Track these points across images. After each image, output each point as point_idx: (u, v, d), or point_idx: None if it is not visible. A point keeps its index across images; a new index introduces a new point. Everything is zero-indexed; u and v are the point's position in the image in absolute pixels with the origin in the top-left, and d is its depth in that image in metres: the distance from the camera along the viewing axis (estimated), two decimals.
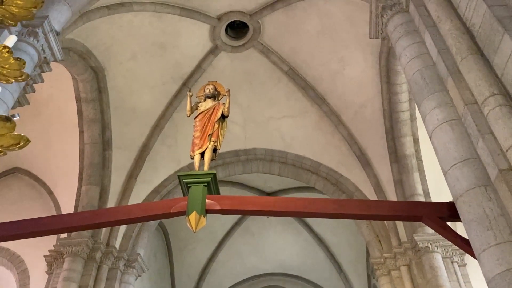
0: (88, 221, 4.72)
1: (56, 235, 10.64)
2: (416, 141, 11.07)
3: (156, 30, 10.80)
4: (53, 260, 10.36)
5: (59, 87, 10.96)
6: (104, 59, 10.63)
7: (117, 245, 10.97)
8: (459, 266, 10.04)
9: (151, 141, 12.17)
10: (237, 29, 11.83)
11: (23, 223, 4.61)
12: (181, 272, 16.70)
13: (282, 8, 10.74)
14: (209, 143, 5.43)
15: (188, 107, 6.09)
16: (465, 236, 4.10)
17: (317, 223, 16.98)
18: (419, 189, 10.71)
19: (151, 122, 12.16)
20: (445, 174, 4.27)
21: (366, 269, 15.92)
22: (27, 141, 2.91)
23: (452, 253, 9.99)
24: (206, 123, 5.57)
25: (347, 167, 12.08)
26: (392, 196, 11.10)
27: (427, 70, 4.96)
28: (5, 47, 2.90)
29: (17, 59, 2.95)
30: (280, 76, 12.18)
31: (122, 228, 11.25)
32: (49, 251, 10.52)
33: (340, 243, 16.87)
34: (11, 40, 3.04)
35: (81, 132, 11.18)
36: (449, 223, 4.58)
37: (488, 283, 3.50)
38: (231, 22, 11.45)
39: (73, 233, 10.39)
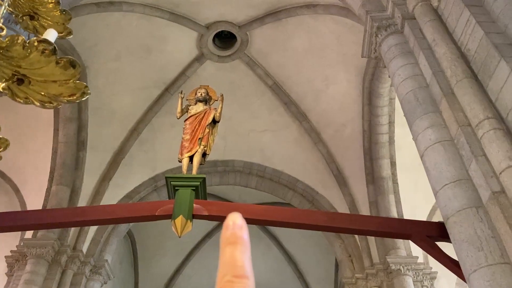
0: (66, 218, 4.48)
1: (20, 235, 10.16)
2: (393, 164, 11.23)
3: (143, 33, 10.65)
4: (15, 261, 9.84)
5: None
6: (87, 57, 10.37)
7: (84, 250, 10.54)
8: None
9: (127, 145, 11.87)
10: (225, 39, 11.82)
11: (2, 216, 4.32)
12: (146, 283, 16.20)
13: (272, 22, 10.81)
14: (199, 147, 5.31)
15: (179, 109, 5.97)
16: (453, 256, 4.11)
17: (287, 240, 16.91)
18: (394, 212, 10.82)
19: (129, 125, 11.88)
20: (436, 193, 4.29)
21: None
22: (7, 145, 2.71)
23: (423, 277, 10.10)
24: (197, 126, 5.46)
25: (324, 185, 12.12)
26: None
27: (421, 91, 5.03)
28: None
29: (63, 11, 2.71)
30: (264, 89, 12.20)
31: (91, 232, 10.84)
32: (11, 251, 10.00)
33: (309, 261, 16.82)
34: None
35: (56, 130, 10.80)
36: None
37: None
38: (219, 31, 11.44)
39: (38, 234, 9.93)
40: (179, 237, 4.60)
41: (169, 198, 4.95)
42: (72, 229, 10.48)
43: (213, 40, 11.58)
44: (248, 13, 10.77)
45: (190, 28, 10.91)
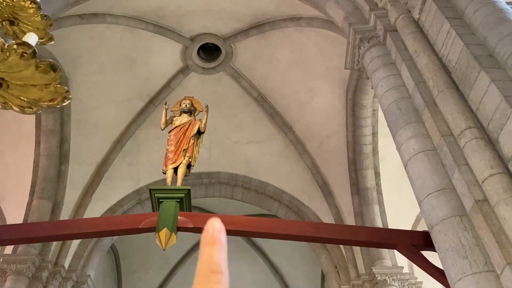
0: (48, 232, 4.37)
1: None
2: (377, 175, 11.32)
3: (127, 45, 10.61)
4: None
5: None
6: (70, 69, 10.26)
7: (66, 265, 10.29)
8: None
9: (110, 158, 11.72)
10: (209, 51, 11.85)
11: None
12: None
13: (256, 35, 10.88)
14: (184, 158, 5.27)
15: (163, 120, 5.93)
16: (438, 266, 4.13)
17: (273, 252, 16.82)
18: (379, 222, 10.87)
19: (112, 137, 11.75)
20: (420, 203, 4.32)
21: None
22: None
23: (409, 287, 10.12)
24: (181, 137, 5.42)
25: (310, 196, 12.12)
26: None
27: (403, 101, 5.09)
28: (32, 1, 2.60)
29: (44, 17, 2.64)
30: (249, 101, 12.22)
31: (73, 247, 10.61)
32: None
33: (295, 273, 16.73)
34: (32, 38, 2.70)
35: (37, 143, 10.61)
36: None
37: None
38: (203, 43, 11.47)
39: (18, 249, 9.68)
40: (164, 250, 4.52)
41: (153, 210, 4.88)
42: (54, 244, 10.24)
43: (198, 52, 11.60)
44: (233, 25, 10.83)
45: (174, 40, 10.92)
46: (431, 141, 4.58)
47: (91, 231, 4.53)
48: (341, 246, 11.25)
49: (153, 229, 4.57)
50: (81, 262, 10.61)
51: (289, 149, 12.32)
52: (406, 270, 10.43)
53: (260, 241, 16.90)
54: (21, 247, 9.75)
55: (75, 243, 10.75)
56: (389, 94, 5.30)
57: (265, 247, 16.97)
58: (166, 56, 11.28)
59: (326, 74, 10.91)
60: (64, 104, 2.52)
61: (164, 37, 10.75)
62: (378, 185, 11.30)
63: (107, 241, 11.50)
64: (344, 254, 11.11)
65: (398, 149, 4.90)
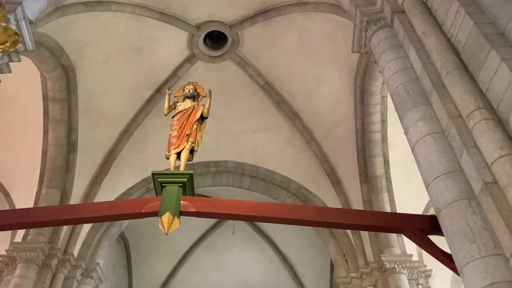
0: (51, 217, 4.37)
1: (9, 239, 10.00)
2: (386, 162, 11.19)
3: (133, 33, 10.54)
4: (4, 266, 9.66)
5: (26, 85, 10.44)
6: (76, 58, 10.24)
7: (76, 253, 10.39)
8: None
9: (118, 147, 11.75)
10: (216, 39, 11.74)
11: None
12: (139, 286, 16.03)
13: (262, 21, 10.73)
14: (187, 143, 5.22)
15: (166, 106, 5.88)
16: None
17: (282, 241, 16.82)
18: (388, 210, 10.75)
19: (120, 127, 11.77)
20: (427, 186, 4.23)
21: None
22: None
23: (418, 275, 10.04)
24: (184, 123, 5.37)
25: (317, 184, 12.05)
26: None
27: (411, 84, 4.97)
28: None
29: (6, 28, 2.58)
30: (255, 89, 12.13)
31: (82, 235, 10.70)
32: (0, 256, 9.83)
33: (304, 262, 16.73)
34: None
35: (45, 132, 10.65)
36: None
37: None
38: (210, 32, 11.35)
39: (28, 238, 9.78)
40: (166, 234, 4.47)
41: (156, 195, 4.85)
42: (63, 232, 10.34)
43: (204, 40, 11.50)
44: (239, 12, 10.70)
45: (180, 28, 10.82)
46: (439, 124, 4.46)
47: (94, 216, 4.51)
48: (350, 234, 11.20)
49: (155, 213, 4.53)
50: (90, 250, 10.70)
51: (296, 137, 12.22)
52: (415, 258, 10.35)
53: (268, 230, 16.92)
54: (31, 236, 9.85)
55: (84, 232, 10.84)
56: (397, 76, 5.18)
57: (274, 236, 16.98)
58: (172, 45, 11.20)
59: (333, 60, 10.75)
60: (14, 48, 2.42)
61: (170, 25, 10.65)
62: (387, 173, 11.17)
63: (115, 229, 11.57)
64: (353, 242, 11.05)
65: (406, 132, 4.79)
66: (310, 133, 12.01)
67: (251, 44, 11.41)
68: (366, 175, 11.22)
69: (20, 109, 10.75)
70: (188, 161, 5.25)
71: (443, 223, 3.88)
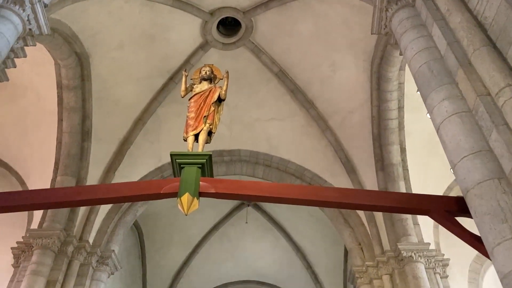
0: (69, 197, 4.33)
1: (25, 226, 10.07)
2: (403, 150, 11.01)
3: (146, 20, 10.45)
4: (21, 252, 9.74)
5: (39, 73, 10.45)
6: (89, 45, 10.19)
7: (91, 240, 10.44)
8: (441, 277, 9.94)
9: (132, 135, 11.73)
10: (229, 26, 11.60)
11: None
12: (153, 275, 16.12)
13: (277, 7, 10.55)
14: (204, 125, 5.14)
15: (183, 87, 5.79)
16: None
17: (296, 231, 16.76)
18: None
19: (134, 115, 11.74)
20: (454, 166, 4.09)
21: (343, 280, 15.73)
22: None
23: (435, 264, 9.90)
24: (202, 104, 5.28)
25: (332, 173, 11.91)
26: None
27: (435, 63, 4.82)
28: None
29: None
30: (269, 77, 11.99)
31: (97, 222, 10.74)
32: (17, 242, 9.91)
33: (317, 252, 16.66)
34: None
35: (60, 120, 10.66)
36: None
37: (502, 278, 3.30)
38: (223, 18, 11.21)
39: (44, 225, 9.84)
40: (186, 214, 4.40)
41: (174, 176, 4.79)
42: (78, 219, 10.38)
43: (217, 27, 11.38)
44: None
45: (194, 14, 10.69)
46: (465, 103, 4.31)
47: (113, 196, 4.46)
48: (365, 222, 11.08)
49: (175, 194, 4.47)
50: (105, 237, 10.74)
51: (311, 126, 12.08)
52: (432, 247, 10.20)
53: (282, 220, 16.87)
54: (47, 223, 9.91)
55: (99, 219, 10.88)
56: (420, 56, 5.03)
57: (287, 226, 16.92)
58: (186, 32, 11.09)
59: (349, 46, 10.55)
60: None
61: (183, 12, 10.53)
62: (404, 161, 11.00)
63: (130, 217, 11.59)
64: (368, 230, 10.93)
65: (430, 112, 4.64)
66: (325, 121, 11.86)
67: (264, 31, 11.25)
68: (382, 163, 11.07)
69: (34, 98, 10.78)
70: (206, 143, 5.18)
71: (472, 204, 3.74)
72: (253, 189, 4.57)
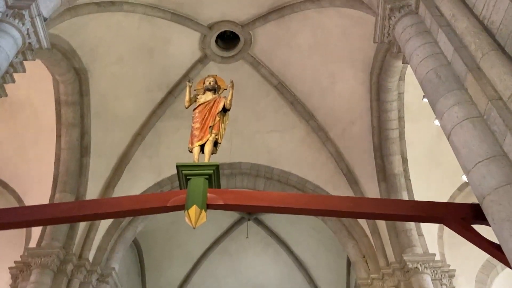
0: (71, 212, 4.19)
1: (23, 245, 9.87)
2: (404, 160, 10.93)
3: (145, 34, 10.44)
4: (19, 272, 9.50)
5: (37, 89, 10.36)
6: (88, 61, 10.14)
7: (91, 258, 10.22)
8: None
9: (131, 150, 11.60)
10: (228, 40, 11.61)
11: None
12: None
13: (275, 20, 10.59)
14: (210, 135, 5.05)
15: (187, 98, 5.73)
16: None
17: (297, 245, 16.56)
18: None
19: (133, 130, 11.64)
20: (467, 173, 4.00)
21: None
22: None
23: (442, 275, 9.76)
24: (207, 114, 5.20)
25: (334, 184, 11.80)
26: None
27: (442, 69, 4.77)
28: None
29: None
30: (269, 89, 11.97)
31: (97, 240, 10.54)
32: (15, 262, 9.67)
33: (320, 266, 16.43)
34: None
35: (58, 136, 10.53)
36: None
37: None
38: (221, 32, 11.22)
39: (43, 243, 9.63)
40: (194, 228, 4.27)
41: (181, 188, 4.67)
42: (78, 237, 10.19)
43: (216, 41, 11.38)
44: (251, 11, 10.57)
45: (192, 28, 10.70)
46: (476, 108, 4.25)
47: (117, 211, 4.33)
48: (369, 234, 10.95)
49: (181, 207, 4.34)
50: (105, 255, 10.53)
51: (311, 137, 12.02)
52: (438, 257, 10.06)
53: (283, 233, 16.69)
54: (45, 241, 9.71)
55: (99, 236, 10.68)
56: (426, 62, 4.98)
57: (288, 239, 16.74)
58: (184, 46, 11.08)
59: (348, 57, 10.56)
60: None
61: (182, 26, 10.54)
62: (406, 171, 10.91)
63: (130, 234, 11.40)
64: (373, 242, 10.79)
65: (439, 118, 4.57)
66: (325, 132, 11.80)
67: (263, 44, 11.26)
68: (384, 174, 10.98)
69: (32, 114, 10.66)
70: (212, 153, 5.09)
71: (489, 210, 3.65)
72: (263, 200, 4.45)
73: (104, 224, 10.82)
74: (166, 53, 11.00)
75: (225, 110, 5.47)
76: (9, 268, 9.75)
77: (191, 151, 5.15)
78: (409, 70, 9.86)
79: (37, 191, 10.80)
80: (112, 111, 11.16)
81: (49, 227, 9.71)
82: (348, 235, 11.34)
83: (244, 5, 10.38)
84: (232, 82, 5.68)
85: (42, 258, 9.26)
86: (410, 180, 10.91)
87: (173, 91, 11.60)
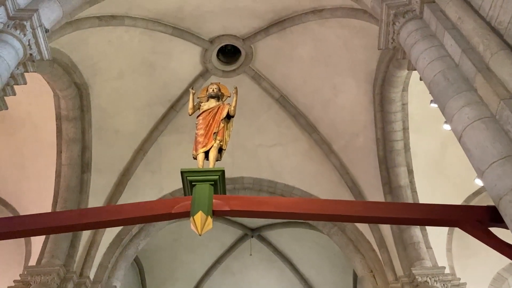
0: (73, 220, 4.04)
1: (23, 263, 9.65)
2: (410, 172, 10.77)
3: (146, 49, 10.43)
4: None
5: (38, 104, 10.29)
6: (89, 75, 10.10)
7: (92, 276, 9.99)
8: None
9: (133, 166, 11.47)
10: (229, 53, 11.61)
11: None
12: None
13: (276, 32, 10.59)
14: (214, 142, 4.94)
15: (191, 105, 5.65)
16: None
17: (302, 262, 16.28)
18: None
19: (134, 145, 11.53)
20: (481, 174, 3.86)
21: None
22: None
23: None
24: (211, 121, 5.12)
25: (339, 198, 11.54)
26: (386, 228, 10.63)
27: (450, 71, 4.69)
28: None
29: None
30: (270, 103, 11.91)
31: (98, 257, 10.31)
32: (14, 281, 9.43)
33: (325, 283, 16.12)
34: None
35: (59, 152, 10.41)
36: None
37: None
38: (223, 46, 11.23)
39: (43, 261, 9.42)
40: (200, 235, 4.10)
41: (185, 194, 4.52)
42: (78, 254, 9.98)
43: (217, 55, 11.38)
44: (252, 24, 10.57)
45: (193, 42, 10.70)
46: (487, 108, 4.14)
47: (120, 218, 4.18)
48: (376, 248, 10.73)
49: (187, 213, 4.18)
50: (106, 272, 10.30)
51: (314, 150, 11.89)
52: (447, 270, 9.82)
53: (287, 250, 16.44)
54: (45, 259, 9.51)
55: (100, 253, 10.47)
56: (433, 65, 4.90)
57: (293, 257, 16.47)
58: (186, 60, 11.06)
59: (350, 68, 10.52)
60: None
61: (183, 40, 10.54)
62: (411, 182, 10.74)
63: (131, 251, 11.18)
64: (380, 257, 10.56)
65: (449, 120, 4.46)
66: (328, 145, 11.68)
67: (264, 57, 11.25)
68: (390, 186, 10.80)
69: (32, 130, 10.57)
70: (217, 160, 4.97)
71: (506, 212, 3.50)
72: (271, 205, 4.28)
73: (105, 241, 10.61)
74: (167, 68, 10.97)
75: (229, 116, 5.38)
76: (8, 287, 9.50)
77: (195, 158, 5.04)
78: (412, 80, 9.80)
79: (37, 208, 10.53)
80: (114, 126, 11.08)
81: (49, 244, 9.52)
82: (354, 249, 11.11)
83: (245, 18, 10.38)
84: (236, 88, 5.62)
85: (42, 277, 9.04)
86: (416, 191, 10.72)
87: (175, 106, 11.54)
